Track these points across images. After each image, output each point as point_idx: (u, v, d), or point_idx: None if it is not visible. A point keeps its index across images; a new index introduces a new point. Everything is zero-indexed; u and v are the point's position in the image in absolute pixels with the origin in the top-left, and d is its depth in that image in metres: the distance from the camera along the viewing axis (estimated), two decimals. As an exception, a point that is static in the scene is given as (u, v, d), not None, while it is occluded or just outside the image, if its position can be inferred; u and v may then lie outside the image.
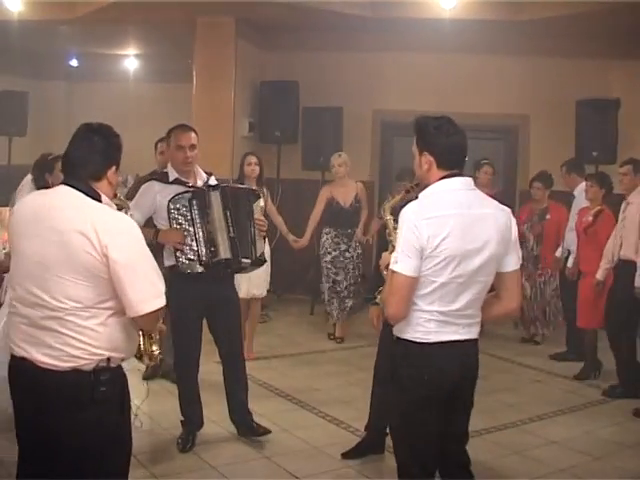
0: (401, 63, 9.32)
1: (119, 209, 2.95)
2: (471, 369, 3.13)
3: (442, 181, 3.01)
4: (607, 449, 4.92)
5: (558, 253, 7.37)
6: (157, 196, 4.53)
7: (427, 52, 9.11)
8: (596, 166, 8.13)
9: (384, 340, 4.33)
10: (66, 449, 2.69)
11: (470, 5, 7.98)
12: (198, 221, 4.42)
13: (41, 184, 4.85)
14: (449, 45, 8.74)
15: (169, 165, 4.67)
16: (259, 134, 9.23)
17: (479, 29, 8.47)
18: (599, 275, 6.16)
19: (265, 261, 4.88)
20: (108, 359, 2.69)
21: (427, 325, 2.98)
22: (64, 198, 2.71)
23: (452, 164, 3.04)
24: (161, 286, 2.74)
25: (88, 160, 2.75)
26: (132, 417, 3.07)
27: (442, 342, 2.98)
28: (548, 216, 7.49)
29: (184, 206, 4.42)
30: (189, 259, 4.45)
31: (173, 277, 4.50)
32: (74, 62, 12.81)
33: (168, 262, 4.55)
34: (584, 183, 6.71)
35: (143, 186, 4.73)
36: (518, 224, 7.81)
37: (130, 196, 5.51)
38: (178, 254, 4.47)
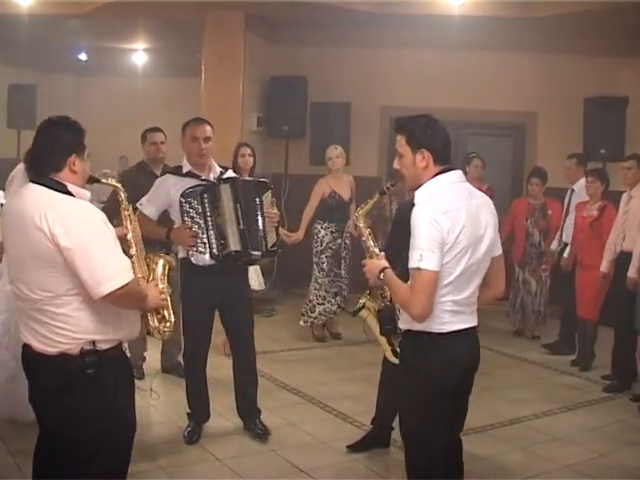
0: (409, 60, 9.30)
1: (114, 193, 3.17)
2: (477, 356, 3.22)
3: (441, 176, 3.07)
4: (612, 446, 4.93)
5: (553, 246, 7.45)
6: (171, 190, 4.55)
7: (436, 49, 9.10)
8: (603, 163, 8.12)
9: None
10: (63, 430, 2.86)
11: (479, 2, 7.97)
12: (209, 214, 4.44)
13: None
14: (457, 42, 8.73)
15: (184, 158, 4.70)
16: (267, 129, 9.25)
17: (487, 26, 8.45)
18: (603, 267, 6.25)
19: (278, 252, 4.82)
20: (93, 342, 2.80)
21: (442, 316, 3.03)
22: (29, 195, 2.84)
23: (447, 158, 3.11)
24: (120, 265, 2.80)
25: (46, 154, 2.86)
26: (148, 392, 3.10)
27: (455, 331, 3.06)
28: (550, 212, 7.56)
29: (195, 199, 4.43)
30: (200, 251, 4.47)
31: (186, 269, 4.58)
32: (83, 56, 12.85)
33: (181, 254, 4.60)
34: (584, 179, 6.79)
35: (158, 180, 4.78)
36: (520, 220, 7.95)
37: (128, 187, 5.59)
38: (190, 248, 4.49)
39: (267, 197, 4.63)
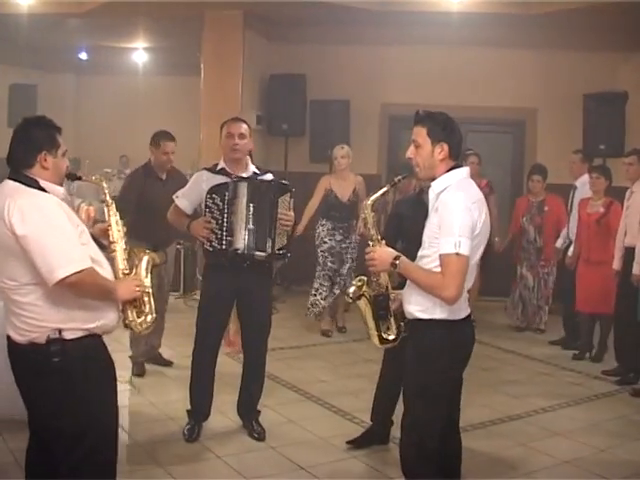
0: (409, 57, 9.31)
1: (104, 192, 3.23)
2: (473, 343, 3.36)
3: (456, 170, 3.21)
4: (612, 441, 4.92)
5: (558, 244, 7.47)
6: (203, 185, 4.63)
7: (435, 46, 9.10)
8: (604, 159, 8.13)
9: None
10: (44, 422, 2.94)
11: (478, -1, 7.98)
12: (225, 211, 4.50)
13: None
14: (457, 39, 8.74)
15: (222, 157, 4.76)
16: (267, 127, 9.26)
17: (487, 23, 8.46)
18: (616, 265, 6.26)
19: (287, 256, 4.75)
20: (59, 331, 2.85)
21: (460, 302, 3.15)
22: (2, 190, 2.92)
23: (458, 156, 3.27)
24: (74, 253, 2.83)
25: (19, 151, 2.97)
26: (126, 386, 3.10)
27: (463, 318, 3.22)
28: (546, 208, 7.60)
29: (218, 195, 4.50)
30: (213, 247, 4.53)
31: (207, 264, 4.75)
32: (83, 55, 12.87)
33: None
34: (586, 175, 6.78)
35: (194, 175, 4.87)
36: (517, 216, 8.01)
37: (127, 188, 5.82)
38: (205, 241, 4.57)
39: (284, 199, 4.61)
